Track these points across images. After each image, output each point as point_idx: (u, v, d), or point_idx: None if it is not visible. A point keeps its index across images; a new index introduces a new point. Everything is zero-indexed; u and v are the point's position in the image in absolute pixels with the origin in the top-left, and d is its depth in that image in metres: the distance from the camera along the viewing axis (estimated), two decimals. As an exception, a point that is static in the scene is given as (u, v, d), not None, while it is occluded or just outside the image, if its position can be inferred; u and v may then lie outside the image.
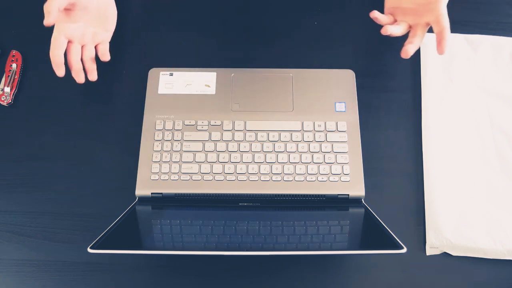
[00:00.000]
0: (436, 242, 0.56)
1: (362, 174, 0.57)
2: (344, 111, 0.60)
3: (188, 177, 0.57)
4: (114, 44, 0.67)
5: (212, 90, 0.62)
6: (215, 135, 0.59)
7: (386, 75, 0.66)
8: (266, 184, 0.57)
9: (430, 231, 0.56)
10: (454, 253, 0.56)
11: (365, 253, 0.56)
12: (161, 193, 0.57)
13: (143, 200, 0.57)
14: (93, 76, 0.60)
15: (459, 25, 0.67)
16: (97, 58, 0.62)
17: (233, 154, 0.58)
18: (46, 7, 0.51)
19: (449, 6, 0.57)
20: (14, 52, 0.65)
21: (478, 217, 0.57)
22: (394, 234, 0.45)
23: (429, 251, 0.56)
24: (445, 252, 0.56)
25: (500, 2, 0.70)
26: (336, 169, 0.57)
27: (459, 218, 0.57)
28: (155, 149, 0.58)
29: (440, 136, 0.61)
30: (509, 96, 0.63)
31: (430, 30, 0.61)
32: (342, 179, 0.57)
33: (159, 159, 0.58)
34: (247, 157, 0.58)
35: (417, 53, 0.66)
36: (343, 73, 0.63)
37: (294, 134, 0.59)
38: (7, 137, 0.62)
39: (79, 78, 0.58)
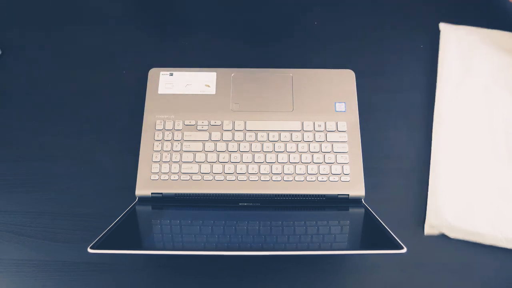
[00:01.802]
0: (435, 222, 0.56)
1: (362, 174, 0.57)
2: (344, 111, 0.60)
3: (188, 177, 0.57)
4: (114, 44, 0.68)
5: (212, 90, 0.62)
6: (215, 135, 0.59)
7: (386, 75, 0.66)
8: (266, 184, 0.57)
9: (431, 212, 0.57)
10: (452, 235, 0.56)
11: (365, 253, 0.56)
12: (161, 193, 0.57)
13: (143, 200, 0.57)
14: None
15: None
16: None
17: (233, 154, 0.58)
18: None
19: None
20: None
21: (482, 206, 0.57)
22: (394, 234, 0.45)
23: (428, 230, 0.57)
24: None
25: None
26: (336, 169, 0.57)
27: (463, 205, 0.57)
28: (155, 149, 0.58)
29: (451, 126, 0.61)
30: None
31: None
32: (342, 179, 0.57)
33: (159, 159, 0.58)
34: (247, 157, 0.58)
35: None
36: (343, 73, 0.63)
37: (294, 134, 0.59)
38: (7, 137, 0.62)
39: None
